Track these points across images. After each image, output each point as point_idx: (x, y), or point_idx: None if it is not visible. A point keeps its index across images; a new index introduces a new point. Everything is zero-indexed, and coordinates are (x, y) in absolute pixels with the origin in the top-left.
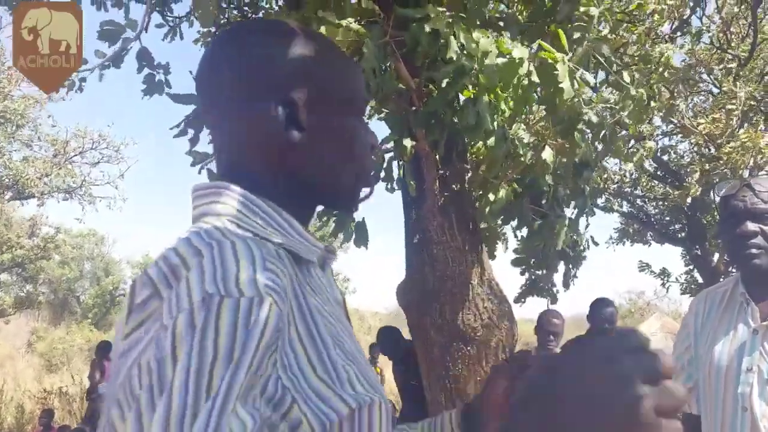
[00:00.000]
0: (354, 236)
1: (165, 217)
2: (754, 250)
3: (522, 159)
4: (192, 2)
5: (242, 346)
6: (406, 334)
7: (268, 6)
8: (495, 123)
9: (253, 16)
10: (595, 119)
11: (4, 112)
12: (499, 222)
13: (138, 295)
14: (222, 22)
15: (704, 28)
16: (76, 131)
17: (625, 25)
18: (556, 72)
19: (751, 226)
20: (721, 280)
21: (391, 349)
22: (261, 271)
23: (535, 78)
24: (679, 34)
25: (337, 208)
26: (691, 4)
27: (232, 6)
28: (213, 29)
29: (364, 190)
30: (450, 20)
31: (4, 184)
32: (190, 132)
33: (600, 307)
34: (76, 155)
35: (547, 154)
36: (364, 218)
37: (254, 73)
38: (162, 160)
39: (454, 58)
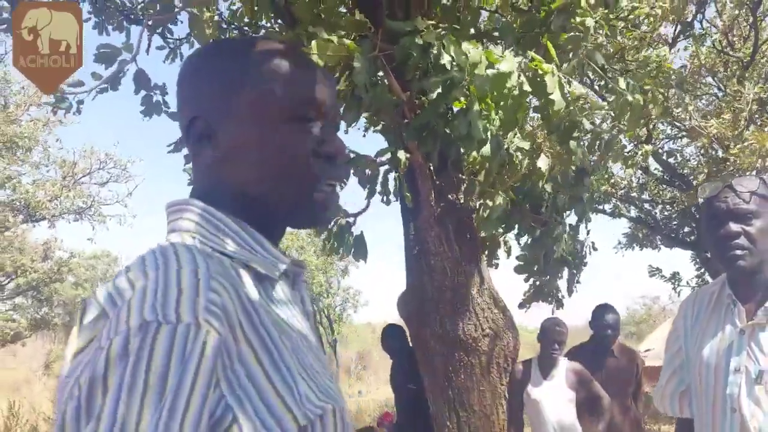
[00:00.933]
0: (353, 250)
1: None
2: (738, 252)
3: (518, 167)
4: (189, 23)
5: (176, 377)
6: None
7: (268, 25)
8: (488, 132)
9: (252, 35)
10: (588, 126)
11: (13, 137)
12: (500, 230)
13: (87, 315)
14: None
15: (705, 31)
16: (83, 152)
17: (621, 29)
18: (545, 83)
19: (734, 227)
20: None
21: (395, 347)
22: (203, 293)
23: (527, 88)
24: (681, 38)
25: (294, 225)
26: (693, 10)
27: (232, 27)
28: None
29: (323, 199)
30: (440, 32)
31: (16, 208)
32: (186, 150)
33: (602, 314)
34: (84, 176)
35: (543, 162)
36: (362, 232)
37: (181, 92)
38: (169, 177)
39: (448, 68)
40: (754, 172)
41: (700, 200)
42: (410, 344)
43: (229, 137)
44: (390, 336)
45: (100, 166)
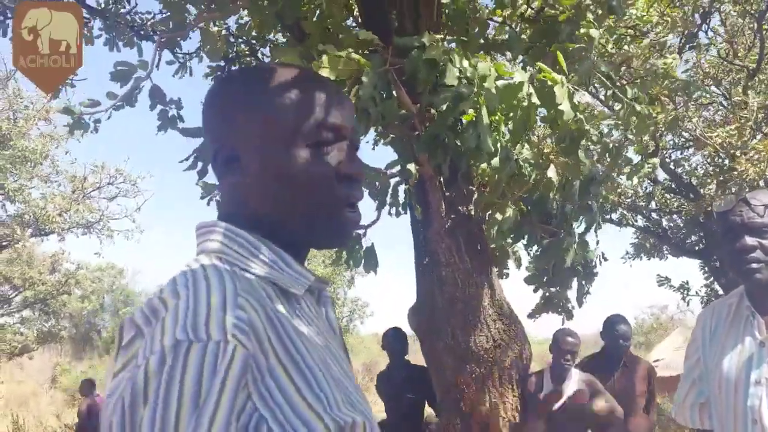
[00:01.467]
0: (363, 261)
1: (183, 248)
2: (754, 265)
3: (527, 178)
4: (201, 39)
5: (208, 391)
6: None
7: (275, 39)
8: (498, 144)
9: (260, 49)
10: (595, 136)
11: (23, 151)
12: (509, 241)
13: (125, 336)
14: (231, 55)
15: (712, 41)
16: (93, 167)
17: (628, 39)
18: (554, 94)
19: (750, 240)
20: None
21: (396, 348)
22: (231, 311)
23: (535, 100)
24: (687, 48)
25: (317, 246)
26: (698, 21)
27: (240, 40)
28: (222, 63)
29: (347, 221)
30: (448, 47)
31: (25, 221)
32: (199, 164)
33: (614, 325)
34: (94, 190)
35: (552, 173)
36: (373, 243)
37: (206, 119)
38: (178, 193)
39: (454, 84)
40: (762, 182)
41: (715, 214)
42: (407, 349)
43: (253, 162)
44: (393, 337)
45: (110, 181)
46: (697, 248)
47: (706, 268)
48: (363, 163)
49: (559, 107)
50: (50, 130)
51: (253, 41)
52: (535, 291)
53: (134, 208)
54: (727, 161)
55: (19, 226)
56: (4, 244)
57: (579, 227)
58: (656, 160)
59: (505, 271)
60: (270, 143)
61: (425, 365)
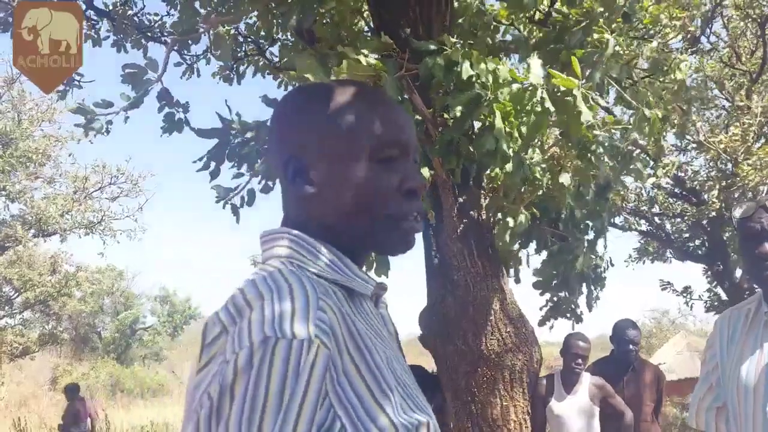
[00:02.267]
0: (375, 265)
1: (184, 250)
2: None
3: (539, 183)
4: (211, 42)
5: (292, 387)
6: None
7: (283, 38)
8: (511, 149)
9: (269, 49)
10: (606, 141)
11: (26, 152)
12: (517, 246)
13: (209, 333)
14: (239, 55)
15: (714, 45)
16: (94, 167)
17: (636, 42)
18: (569, 98)
19: None
20: (745, 295)
21: None
22: (313, 311)
23: (549, 105)
24: (690, 52)
25: (380, 253)
26: (700, 24)
27: (249, 40)
28: (231, 62)
29: (411, 230)
30: (466, 51)
31: (27, 222)
32: (212, 165)
33: (624, 329)
34: (96, 190)
35: (565, 178)
36: None
37: (276, 135)
38: (180, 193)
39: (473, 81)
40: (765, 187)
41: (734, 221)
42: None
43: (322, 175)
44: None
45: (112, 181)
46: (700, 252)
47: (710, 273)
48: (424, 178)
49: (578, 110)
50: (54, 131)
51: (262, 41)
52: (541, 295)
53: (136, 207)
54: (730, 166)
55: (21, 226)
56: (6, 245)
57: (589, 233)
58: (673, 159)
59: (518, 275)
60: (341, 157)
61: (435, 370)
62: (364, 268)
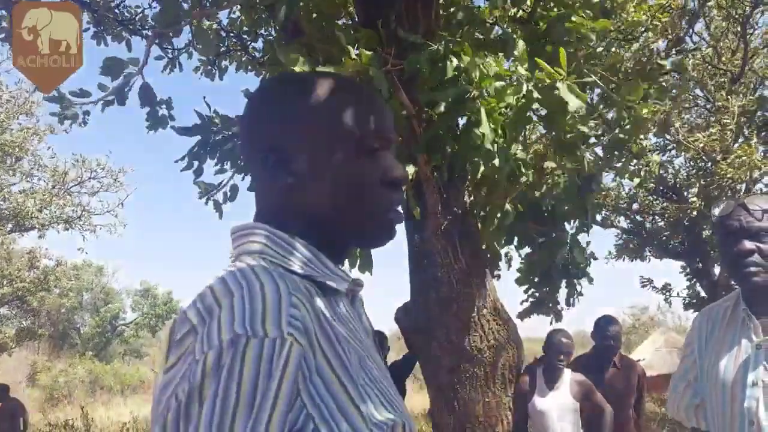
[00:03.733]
0: (358, 261)
1: (164, 245)
2: (752, 268)
3: (523, 179)
4: (192, 35)
5: (264, 387)
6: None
7: (266, 33)
8: (495, 145)
9: (252, 44)
10: (589, 133)
11: (3, 145)
12: (502, 242)
13: (177, 332)
14: (221, 50)
15: (697, 46)
16: (74, 161)
17: (619, 42)
18: (557, 90)
19: (748, 244)
20: (723, 293)
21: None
22: (285, 308)
23: (536, 95)
24: (674, 52)
25: (360, 245)
26: (685, 25)
27: (231, 35)
28: (212, 57)
29: (391, 222)
30: (449, 45)
31: (5, 217)
32: (195, 164)
33: (605, 325)
34: (75, 185)
35: (550, 163)
36: None
37: (254, 125)
38: (160, 188)
39: (459, 77)
40: (743, 185)
41: (714, 219)
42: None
43: (303, 166)
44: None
45: (92, 175)
46: (679, 250)
47: (689, 270)
48: (405, 170)
49: (565, 99)
50: (32, 124)
51: (245, 36)
52: (525, 292)
53: (116, 203)
54: (709, 164)
55: None
56: None
57: (573, 227)
58: (657, 158)
59: (496, 272)
60: (323, 148)
61: (395, 363)
62: (346, 265)
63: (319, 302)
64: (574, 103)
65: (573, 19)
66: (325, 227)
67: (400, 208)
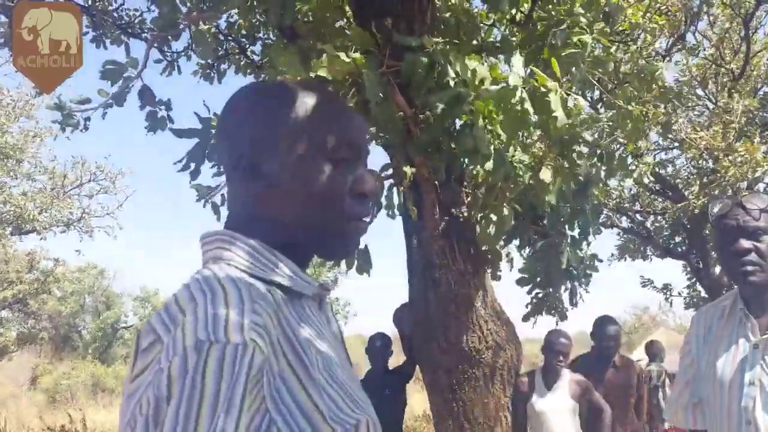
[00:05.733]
0: (357, 263)
1: (163, 248)
2: (749, 267)
3: (520, 181)
4: (191, 39)
5: (227, 391)
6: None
7: (265, 37)
8: (492, 147)
9: (250, 47)
10: (589, 138)
11: (3, 148)
12: (501, 243)
13: (143, 341)
14: (220, 54)
15: (699, 44)
16: (73, 163)
17: (617, 45)
18: (548, 100)
19: (745, 243)
20: (724, 292)
21: (379, 356)
22: (248, 314)
23: (528, 106)
24: (675, 50)
25: (321, 255)
26: (686, 22)
27: (229, 38)
28: (211, 61)
29: (354, 233)
30: (446, 49)
31: (5, 220)
32: (192, 166)
33: (604, 326)
34: (74, 188)
35: (546, 175)
36: (366, 245)
37: (228, 131)
38: (160, 190)
39: (451, 84)
40: (744, 184)
41: (711, 218)
42: (391, 353)
43: (273, 173)
44: (378, 341)
45: (91, 178)
46: (680, 249)
47: (689, 270)
48: (375, 183)
49: (554, 114)
50: (32, 126)
51: (243, 39)
52: (528, 293)
53: (115, 205)
54: (711, 163)
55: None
56: None
57: (574, 230)
58: (650, 160)
59: (497, 273)
60: (295, 154)
61: (400, 368)
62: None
63: (284, 308)
64: (561, 117)
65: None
66: (291, 234)
67: (366, 221)
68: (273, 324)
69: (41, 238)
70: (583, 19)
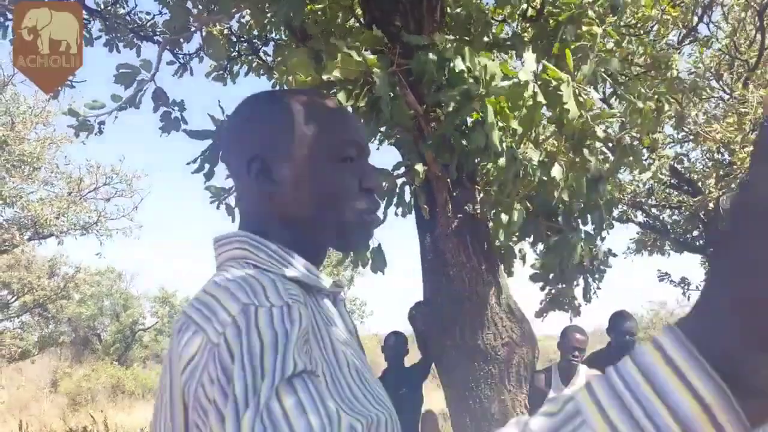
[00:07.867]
0: (371, 261)
1: (180, 249)
2: None
3: (531, 177)
4: (202, 41)
5: (283, 337)
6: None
7: (277, 38)
8: (504, 144)
9: (263, 48)
10: (602, 134)
11: (21, 155)
12: (514, 239)
13: (183, 335)
14: (233, 55)
15: (713, 35)
16: (88, 168)
17: (629, 38)
18: (560, 93)
19: None
20: None
21: (395, 355)
22: (284, 291)
23: (541, 99)
24: (687, 42)
25: (339, 248)
26: (699, 12)
27: (241, 39)
28: (224, 62)
29: (368, 226)
30: (458, 46)
31: (23, 225)
32: (206, 167)
33: (620, 321)
34: (90, 192)
35: (557, 171)
36: (380, 244)
37: (238, 136)
38: (175, 193)
39: (465, 77)
40: None
41: (722, 211)
42: (407, 351)
43: (285, 174)
44: (395, 343)
45: (106, 181)
46: (697, 243)
47: (707, 263)
48: (380, 178)
49: (565, 106)
50: (49, 133)
51: (255, 40)
52: (542, 289)
53: (131, 207)
54: (726, 156)
55: (18, 230)
56: (3, 249)
57: (587, 225)
58: (669, 152)
59: (511, 270)
60: (301, 158)
61: (416, 366)
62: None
63: (309, 301)
64: (573, 109)
65: (584, 20)
66: (305, 232)
67: (376, 213)
68: (306, 310)
69: (59, 243)
70: (591, 12)
